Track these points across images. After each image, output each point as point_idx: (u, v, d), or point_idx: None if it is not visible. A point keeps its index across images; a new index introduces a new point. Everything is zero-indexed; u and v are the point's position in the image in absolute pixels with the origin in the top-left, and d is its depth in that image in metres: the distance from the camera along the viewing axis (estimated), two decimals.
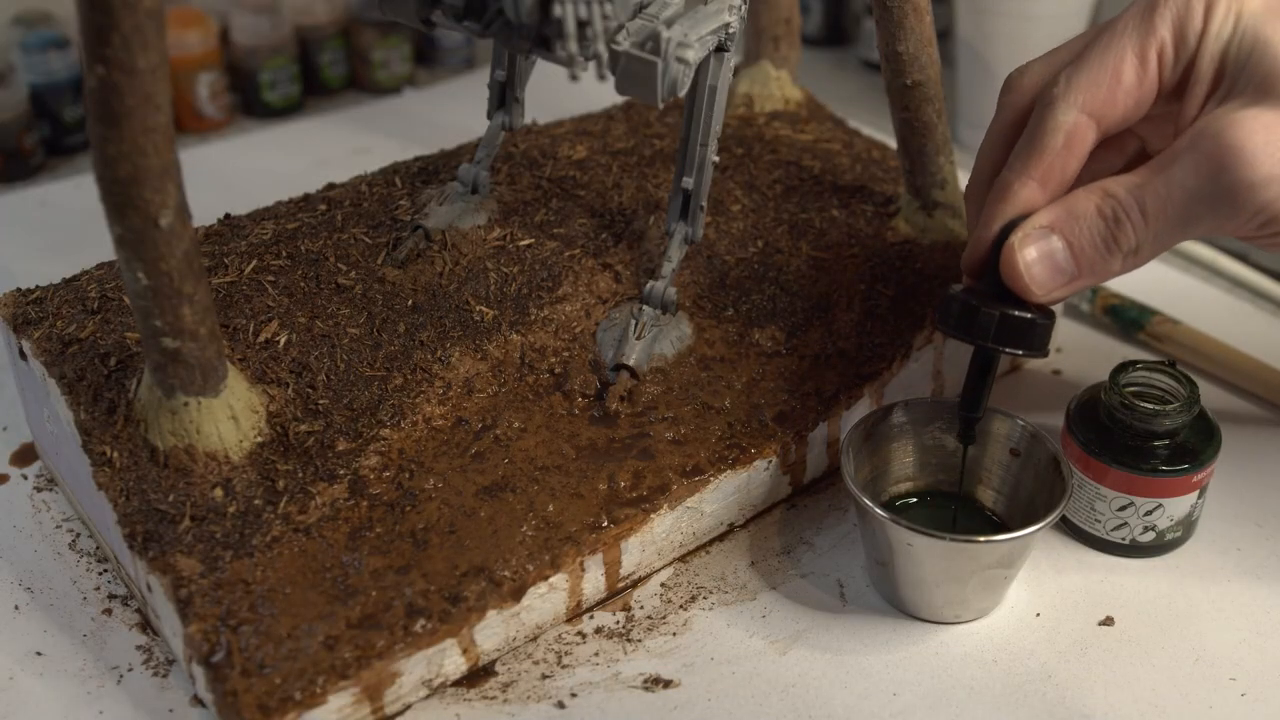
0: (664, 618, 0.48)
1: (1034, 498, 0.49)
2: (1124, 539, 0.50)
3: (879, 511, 0.45)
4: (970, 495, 0.51)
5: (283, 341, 0.50)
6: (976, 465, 0.51)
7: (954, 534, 0.45)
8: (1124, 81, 0.44)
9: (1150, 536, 0.50)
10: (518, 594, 0.45)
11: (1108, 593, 0.49)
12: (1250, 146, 0.41)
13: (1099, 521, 0.50)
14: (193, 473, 0.45)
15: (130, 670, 0.46)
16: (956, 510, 0.51)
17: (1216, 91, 0.43)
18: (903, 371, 0.55)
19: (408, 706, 0.44)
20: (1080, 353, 0.64)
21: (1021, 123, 0.47)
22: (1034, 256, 0.44)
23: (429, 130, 0.85)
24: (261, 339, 0.50)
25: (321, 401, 0.48)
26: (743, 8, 0.49)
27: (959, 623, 0.48)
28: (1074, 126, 0.44)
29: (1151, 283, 0.70)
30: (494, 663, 0.46)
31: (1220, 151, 0.41)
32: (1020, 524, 0.46)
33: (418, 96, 0.94)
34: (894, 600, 0.48)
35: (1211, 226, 0.43)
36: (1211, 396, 0.59)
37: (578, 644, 0.47)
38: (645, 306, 0.53)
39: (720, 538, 0.52)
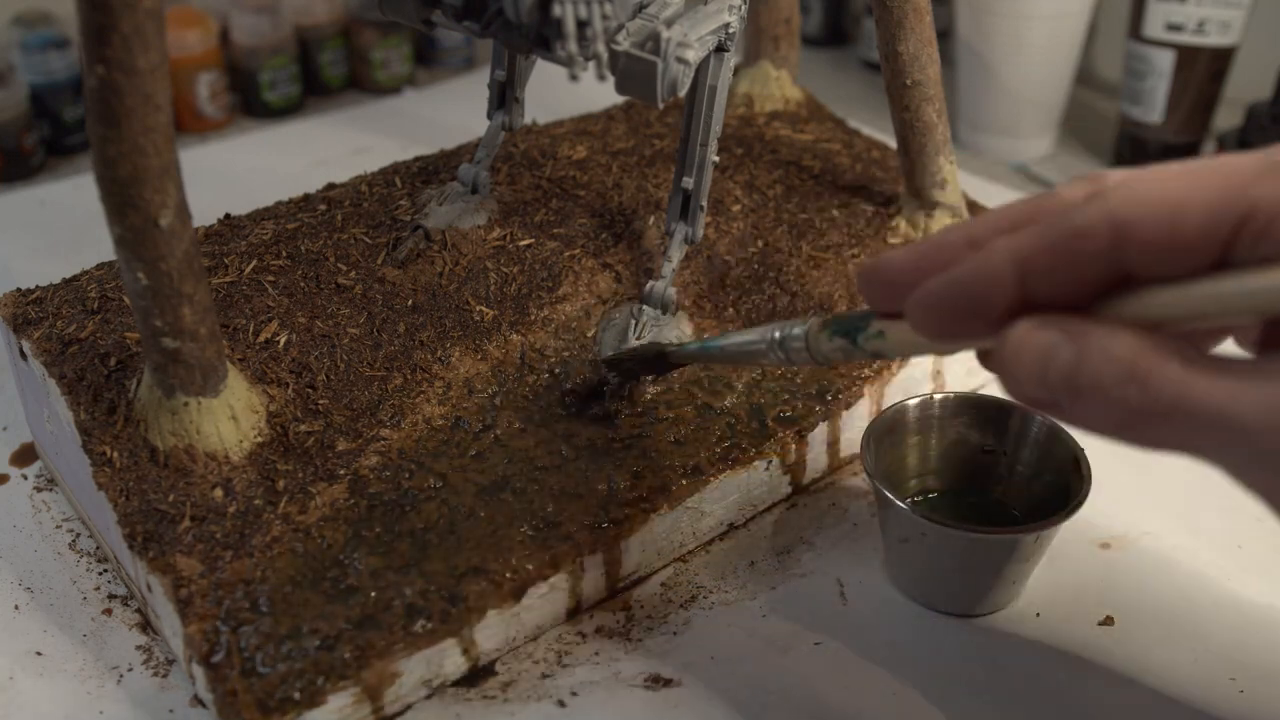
0: (664, 617, 0.48)
1: (1050, 494, 0.49)
2: None
3: (900, 502, 0.45)
4: (988, 490, 0.51)
5: (283, 341, 0.50)
6: (996, 460, 0.51)
7: (972, 526, 0.45)
8: None
9: None
10: (518, 594, 0.45)
11: (1108, 593, 0.49)
12: None
13: None
14: (193, 473, 0.45)
15: (130, 670, 0.46)
16: (975, 503, 0.51)
17: None
18: (902, 371, 0.55)
19: (408, 706, 0.44)
20: None
21: None
22: None
23: (429, 130, 0.85)
24: (261, 339, 0.50)
25: (321, 401, 0.48)
26: (743, 8, 0.49)
27: (973, 615, 0.48)
28: None
29: None
30: (494, 662, 0.46)
31: None
32: (1036, 519, 0.46)
33: (418, 96, 0.94)
34: (910, 591, 0.49)
35: None
36: None
37: (578, 644, 0.47)
38: (645, 306, 0.53)
39: (720, 538, 0.52)
